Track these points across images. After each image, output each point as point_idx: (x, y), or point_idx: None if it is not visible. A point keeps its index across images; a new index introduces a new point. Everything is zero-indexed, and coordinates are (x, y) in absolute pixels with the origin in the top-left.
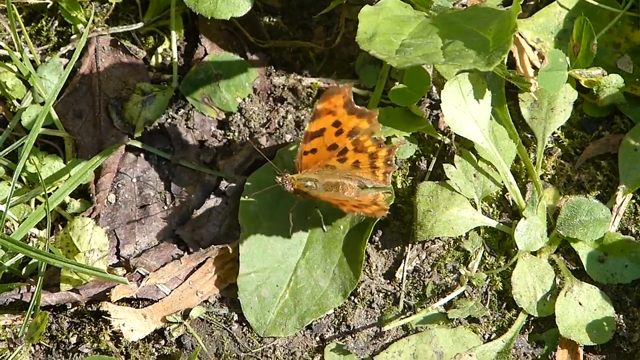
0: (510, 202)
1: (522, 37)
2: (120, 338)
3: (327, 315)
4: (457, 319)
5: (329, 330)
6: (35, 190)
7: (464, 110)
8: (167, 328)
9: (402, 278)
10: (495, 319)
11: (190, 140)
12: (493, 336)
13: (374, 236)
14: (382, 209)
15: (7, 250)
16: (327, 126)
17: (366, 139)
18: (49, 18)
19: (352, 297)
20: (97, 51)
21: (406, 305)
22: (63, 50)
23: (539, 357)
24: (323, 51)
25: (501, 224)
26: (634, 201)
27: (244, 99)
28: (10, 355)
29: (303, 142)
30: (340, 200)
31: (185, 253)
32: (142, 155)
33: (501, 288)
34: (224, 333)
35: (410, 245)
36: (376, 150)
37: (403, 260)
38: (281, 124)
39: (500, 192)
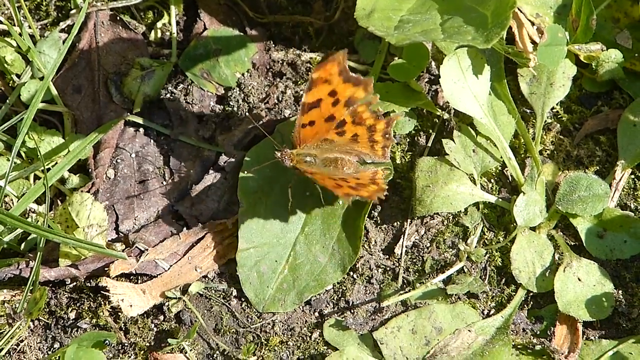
0: (509, 177)
1: (521, 11)
2: (119, 313)
3: (326, 290)
4: (456, 295)
5: (327, 305)
6: (34, 166)
7: (463, 86)
8: (166, 303)
9: (401, 253)
10: (494, 294)
11: (190, 116)
12: (492, 312)
13: (372, 212)
14: (381, 189)
15: (6, 225)
16: (324, 96)
17: (364, 109)
18: None
19: (351, 273)
20: (96, 26)
21: (405, 281)
22: (62, 25)
23: (538, 332)
24: (322, 26)
25: (500, 200)
26: (632, 176)
27: (243, 74)
28: (9, 330)
29: (300, 113)
30: (337, 182)
31: (184, 228)
32: (141, 130)
33: (500, 264)
34: (222, 308)
35: (409, 220)
36: (374, 123)
37: (402, 236)
38: (280, 99)
39: (499, 168)
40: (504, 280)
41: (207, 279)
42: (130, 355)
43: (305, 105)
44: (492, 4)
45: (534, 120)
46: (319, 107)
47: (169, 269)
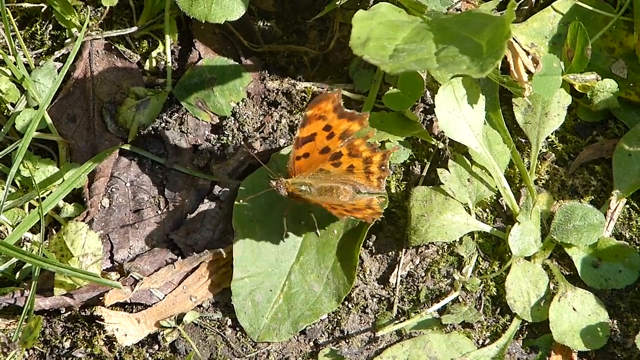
0: (504, 207)
1: (516, 41)
2: (114, 343)
3: (321, 320)
4: (451, 324)
5: (322, 335)
6: (29, 195)
7: (458, 115)
8: (161, 333)
9: (396, 283)
10: (489, 324)
11: (184, 145)
12: (487, 341)
13: (367, 241)
14: (376, 212)
15: (1, 254)
16: (318, 130)
17: (361, 143)
18: (43, 22)
19: (346, 302)
20: (91, 55)
21: (400, 311)
22: (57, 54)
23: None
24: (317, 55)
25: (495, 229)
26: (627, 206)
27: (237, 103)
28: (4, 359)
29: (295, 147)
30: (333, 204)
31: (179, 257)
32: (136, 159)
33: (495, 293)
34: (217, 338)
35: (404, 250)
36: (370, 155)
37: (397, 265)
38: (275, 128)
39: (494, 197)
40: (499, 309)
41: (202, 308)
42: None
43: (299, 139)
44: (487, 34)
45: (529, 150)
46: (314, 141)
47: (163, 298)
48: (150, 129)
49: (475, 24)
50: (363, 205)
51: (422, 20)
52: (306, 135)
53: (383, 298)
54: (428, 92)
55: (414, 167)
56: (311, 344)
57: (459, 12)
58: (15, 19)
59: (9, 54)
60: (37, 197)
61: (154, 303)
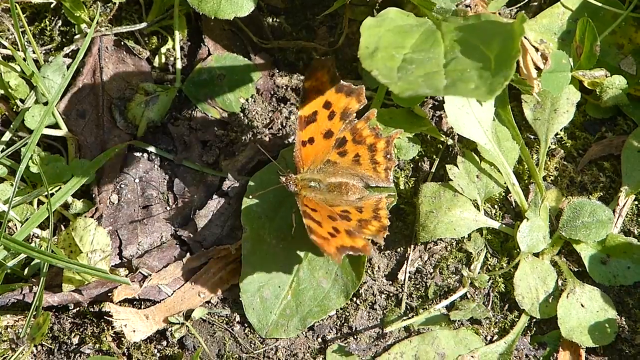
0: (513, 203)
1: (525, 38)
2: (122, 339)
3: (329, 316)
4: (459, 321)
5: (331, 331)
6: (37, 191)
7: (467, 111)
8: (169, 329)
9: (405, 279)
10: (497, 320)
11: (193, 141)
12: (495, 338)
13: None
14: (383, 226)
15: (10, 250)
16: (319, 108)
17: (363, 126)
18: (52, 18)
19: (354, 298)
20: (100, 51)
21: (408, 307)
22: (66, 50)
23: (541, 358)
24: (326, 51)
25: (504, 225)
26: (636, 203)
27: (247, 100)
28: (13, 355)
29: (299, 129)
30: (331, 232)
31: (188, 254)
32: (145, 155)
33: (503, 289)
34: (225, 334)
35: (412, 246)
36: (374, 142)
37: (405, 262)
38: (284, 124)
39: (503, 194)
40: (507, 306)
41: (210, 304)
42: None
43: (302, 118)
44: (496, 46)
45: (537, 146)
46: (316, 122)
47: (172, 294)
48: (160, 125)
49: (485, 30)
50: (370, 211)
51: (431, 22)
52: (308, 114)
53: (391, 294)
54: None
55: (422, 163)
56: (319, 340)
57: (468, 7)
58: (24, 15)
59: (19, 50)
60: (46, 193)
61: (163, 299)
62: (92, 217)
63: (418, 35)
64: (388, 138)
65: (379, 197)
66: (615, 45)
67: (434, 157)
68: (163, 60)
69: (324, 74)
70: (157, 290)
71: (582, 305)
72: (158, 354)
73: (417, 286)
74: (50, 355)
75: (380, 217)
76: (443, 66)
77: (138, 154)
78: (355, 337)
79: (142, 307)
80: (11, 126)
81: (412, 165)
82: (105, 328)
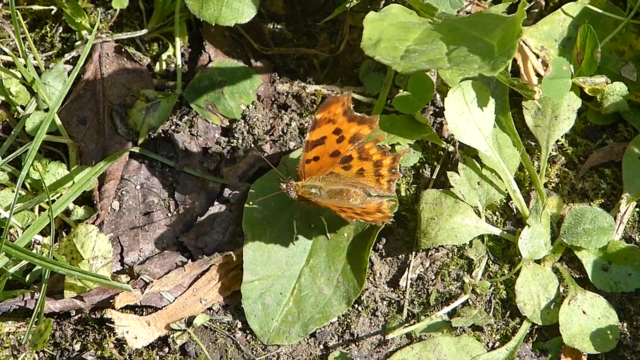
0: (514, 210)
1: (526, 44)
2: (124, 345)
3: (331, 323)
4: (460, 327)
5: (332, 338)
6: (39, 197)
7: (468, 118)
8: (171, 335)
9: (406, 286)
10: (499, 327)
11: (194, 147)
12: (497, 344)
13: (377, 244)
14: (387, 216)
15: (11, 257)
16: (328, 134)
17: (371, 146)
18: (53, 24)
19: (356, 305)
20: (101, 57)
21: (410, 314)
22: (67, 56)
23: None
24: (327, 58)
25: (505, 232)
26: (637, 209)
27: (247, 106)
28: None
29: (304, 150)
30: (343, 207)
31: (189, 260)
32: (146, 162)
33: (505, 296)
34: (227, 341)
35: (414, 253)
36: (381, 159)
37: (407, 268)
38: (285, 131)
39: (504, 200)
40: (508, 312)
41: (212, 311)
42: None
43: (309, 142)
44: (498, 33)
45: (538, 153)
46: (324, 144)
47: (173, 301)
48: (160, 131)
49: (486, 24)
50: (373, 209)
51: (432, 22)
52: (316, 139)
53: (393, 301)
54: (438, 95)
55: (424, 170)
56: (321, 346)
57: (469, 14)
58: (25, 21)
59: (19, 57)
60: (47, 199)
61: (164, 306)
62: (93, 223)
63: (420, 31)
64: (395, 156)
65: (380, 201)
66: (616, 52)
67: (435, 164)
68: (164, 66)
69: (337, 107)
70: (158, 297)
71: (584, 312)
72: None
73: (419, 293)
74: None
75: (383, 211)
76: (446, 54)
77: (139, 161)
78: (357, 343)
79: (144, 313)
80: (12, 133)
81: (413, 172)
82: (107, 335)
